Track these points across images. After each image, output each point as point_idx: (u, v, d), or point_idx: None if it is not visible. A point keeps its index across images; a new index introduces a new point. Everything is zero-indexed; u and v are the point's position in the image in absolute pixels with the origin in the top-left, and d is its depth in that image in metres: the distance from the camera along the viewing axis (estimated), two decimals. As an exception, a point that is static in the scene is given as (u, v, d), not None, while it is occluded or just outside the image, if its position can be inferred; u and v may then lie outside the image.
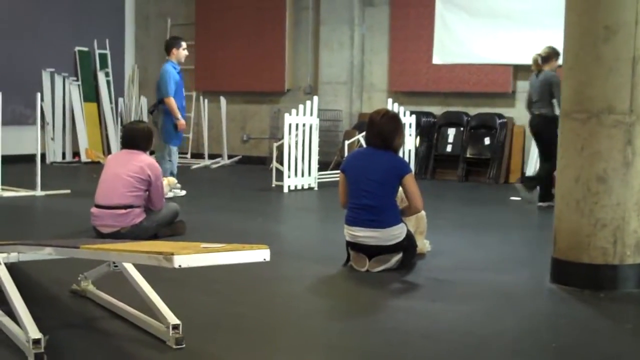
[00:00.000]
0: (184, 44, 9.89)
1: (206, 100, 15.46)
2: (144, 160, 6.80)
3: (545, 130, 9.40)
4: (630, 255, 5.09)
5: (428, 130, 13.71)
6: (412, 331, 4.19)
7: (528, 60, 12.87)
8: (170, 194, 6.95)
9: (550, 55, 9.34)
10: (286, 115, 11.09)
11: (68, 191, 9.93)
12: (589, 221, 5.08)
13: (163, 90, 9.68)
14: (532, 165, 12.62)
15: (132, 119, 15.03)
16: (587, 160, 5.08)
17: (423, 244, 6.25)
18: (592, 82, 5.06)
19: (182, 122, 9.74)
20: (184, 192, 7.82)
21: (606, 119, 5.02)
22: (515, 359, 3.75)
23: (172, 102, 9.59)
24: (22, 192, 9.69)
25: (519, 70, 13.20)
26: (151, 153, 7.52)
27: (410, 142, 12.68)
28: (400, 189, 5.74)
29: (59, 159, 14.77)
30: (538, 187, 9.80)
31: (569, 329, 4.40)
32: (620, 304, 4.86)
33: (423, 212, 6.14)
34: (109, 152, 14.58)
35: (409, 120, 12.70)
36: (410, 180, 5.68)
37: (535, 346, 4.01)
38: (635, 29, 4.99)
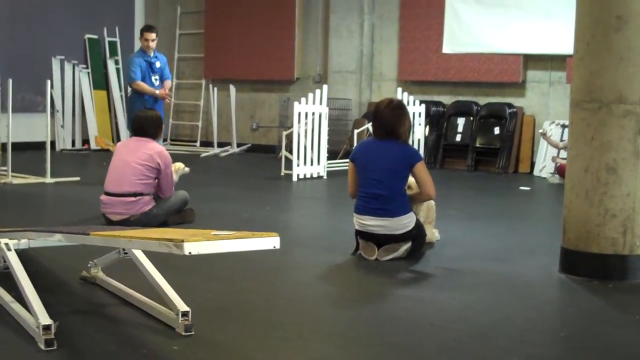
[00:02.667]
0: (146, 34, 9.89)
1: (215, 89, 15.46)
2: (154, 148, 6.81)
3: None
4: (639, 246, 5.08)
5: (437, 119, 13.69)
6: (421, 320, 4.20)
7: (538, 50, 12.88)
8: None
9: None
10: (295, 103, 11.08)
11: (78, 178, 9.96)
12: (598, 211, 5.07)
13: (128, 77, 10.14)
14: (542, 155, 12.58)
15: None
16: (597, 150, 5.07)
17: (432, 233, 6.25)
18: (603, 71, 5.04)
19: (157, 92, 9.81)
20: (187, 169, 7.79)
21: (617, 108, 5.01)
22: (523, 348, 3.75)
23: (139, 85, 9.77)
24: (32, 180, 9.73)
25: (528, 60, 13.15)
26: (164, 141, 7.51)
27: (419, 132, 12.68)
28: (411, 177, 5.74)
29: (69, 146, 14.81)
30: None
31: (577, 319, 4.40)
32: (629, 295, 4.86)
33: (432, 202, 6.14)
34: (119, 140, 14.60)
35: (418, 110, 12.70)
36: (421, 167, 5.69)
37: (543, 336, 4.01)
38: (644, 18, 4.97)
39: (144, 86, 9.73)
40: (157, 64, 9.99)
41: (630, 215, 5.05)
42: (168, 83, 10.15)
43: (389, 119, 5.73)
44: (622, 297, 4.80)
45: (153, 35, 9.93)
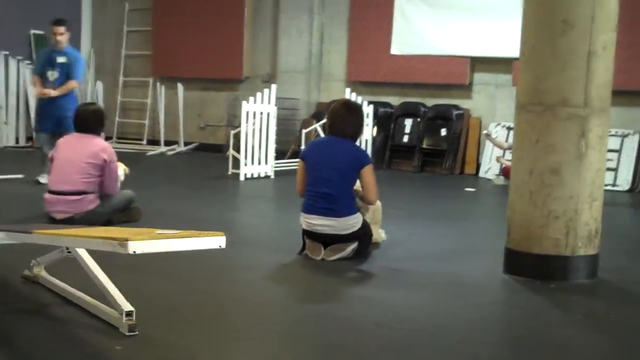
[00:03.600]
0: (53, 28, 9.58)
1: (163, 87, 15.34)
2: (99, 144, 6.73)
3: None
4: (581, 247, 5.17)
5: (385, 120, 13.75)
6: (367, 319, 4.21)
7: (485, 52, 13.01)
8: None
9: None
10: (244, 103, 11.05)
11: (21, 176, 9.80)
12: (541, 213, 5.15)
13: None
14: (487, 157, 12.72)
15: (88, 104, 14.84)
16: (541, 153, 5.14)
17: (378, 233, 6.28)
18: (548, 75, 5.11)
19: (40, 91, 9.53)
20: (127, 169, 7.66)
21: (561, 111, 5.08)
22: (467, 348, 3.78)
23: (33, 78, 9.75)
24: (-26, 177, 9.55)
25: (476, 62, 13.28)
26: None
27: (367, 132, 12.71)
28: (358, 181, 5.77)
29: (13, 143, 14.56)
30: None
31: (520, 318, 4.46)
32: (571, 295, 4.94)
33: (379, 203, 6.16)
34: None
35: (366, 111, 12.72)
36: (368, 171, 5.71)
37: (487, 335, 4.06)
38: (591, 23, 5.05)
39: (32, 80, 9.51)
40: (60, 60, 9.51)
41: (572, 217, 5.13)
42: (71, 84, 9.48)
43: (347, 118, 5.77)
44: (565, 297, 4.88)
45: (61, 29, 9.51)
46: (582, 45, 5.05)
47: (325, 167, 5.65)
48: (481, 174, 12.82)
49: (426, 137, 13.39)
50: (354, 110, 5.88)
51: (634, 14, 11.92)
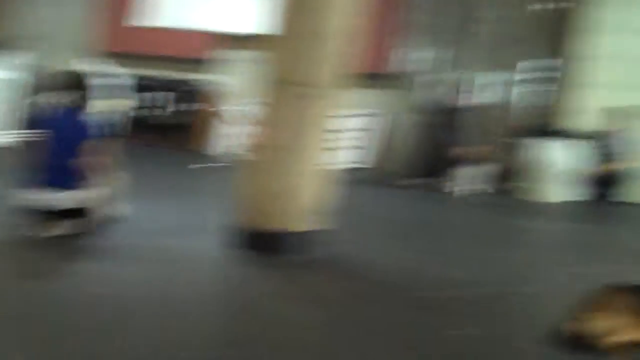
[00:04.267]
0: None
1: None
2: None
3: None
4: (304, 223, 5.40)
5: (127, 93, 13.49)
6: (92, 294, 4.18)
7: (229, 29, 13.08)
8: None
9: None
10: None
11: None
12: (268, 190, 5.31)
13: None
14: (220, 134, 12.84)
15: None
16: (271, 131, 5.29)
17: (109, 209, 6.17)
18: (291, 55, 5.26)
19: None
20: None
21: (296, 90, 5.24)
22: (192, 321, 3.86)
23: None
24: None
25: (218, 38, 13.33)
26: None
27: (103, 105, 12.40)
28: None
29: None
30: None
31: (243, 291, 4.60)
32: (293, 269, 5.15)
33: (126, 177, 6.05)
34: None
35: (103, 82, 12.41)
36: (97, 145, 5.60)
37: (210, 307, 4.17)
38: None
39: None
40: None
41: (298, 195, 5.34)
42: None
43: (71, 86, 5.62)
44: (286, 271, 5.09)
45: None
46: (326, 27, 5.23)
47: (51, 138, 5.48)
48: (214, 151, 12.92)
49: (161, 111, 13.32)
50: (76, 79, 5.73)
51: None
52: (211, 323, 3.94)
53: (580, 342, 3.76)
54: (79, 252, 5.24)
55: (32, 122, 5.74)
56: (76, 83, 5.70)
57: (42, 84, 12.92)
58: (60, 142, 5.48)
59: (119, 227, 5.97)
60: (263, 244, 5.37)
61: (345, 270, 5.35)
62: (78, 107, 5.65)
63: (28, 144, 5.62)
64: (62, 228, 5.49)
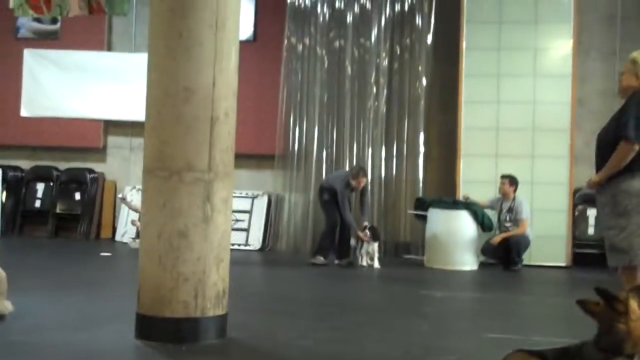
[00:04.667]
0: None
1: None
2: None
3: None
4: (210, 308, 5.29)
5: (15, 184, 13.19)
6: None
7: (118, 116, 13.02)
8: None
9: None
10: None
11: None
12: (171, 275, 5.20)
13: None
14: (123, 220, 12.66)
15: None
16: (169, 216, 5.21)
17: (4, 305, 5.93)
18: (173, 140, 5.23)
19: None
20: None
21: (186, 176, 5.21)
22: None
23: None
24: None
25: (109, 126, 13.25)
26: None
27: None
28: None
29: None
30: None
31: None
32: (201, 356, 5.02)
33: (2, 273, 5.84)
34: None
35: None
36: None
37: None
38: (212, 90, 5.26)
39: None
40: None
41: (201, 279, 5.24)
42: None
43: None
44: (195, 358, 4.95)
45: None
46: (205, 111, 5.24)
47: None
48: (118, 237, 12.74)
49: (60, 201, 13.07)
50: None
51: (261, 80, 12.67)
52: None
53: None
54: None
55: None
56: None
57: None
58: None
59: (16, 324, 5.73)
60: (169, 331, 5.22)
61: (252, 354, 5.24)
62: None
63: None
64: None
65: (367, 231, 10.72)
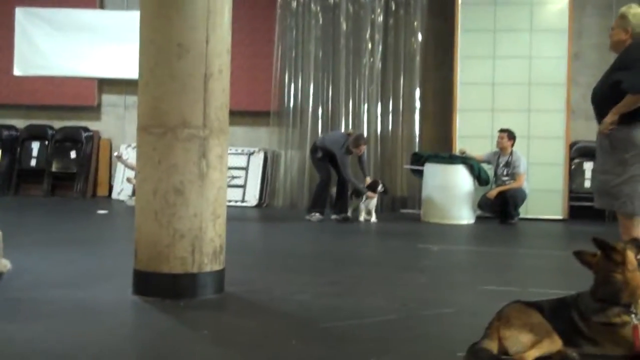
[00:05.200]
0: None
1: None
2: None
3: None
4: (207, 263, 5.31)
5: (10, 144, 13.16)
6: (-12, 356, 3.97)
7: (112, 74, 12.95)
8: None
9: None
10: None
11: None
12: (167, 232, 5.21)
13: None
14: (119, 178, 12.66)
15: None
16: (164, 173, 5.20)
17: (1, 263, 5.94)
18: (167, 97, 5.20)
19: None
20: None
21: (181, 133, 5.19)
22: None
23: None
24: None
25: (103, 84, 13.18)
26: None
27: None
28: None
29: None
30: None
31: (149, 339, 4.46)
32: (199, 311, 5.04)
33: (-1, 232, 5.84)
34: None
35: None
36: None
37: (116, 359, 4.01)
38: (206, 47, 5.22)
39: None
40: None
41: (198, 235, 5.26)
42: None
43: None
44: (192, 314, 4.97)
45: None
46: (199, 68, 5.21)
47: None
48: (114, 195, 12.75)
49: (55, 160, 13.04)
50: None
51: (257, 38, 12.59)
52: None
53: (495, 360, 3.77)
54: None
55: None
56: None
57: None
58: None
59: (13, 281, 5.75)
60: (167, 287, 5.25)
61: (249, 308, 5.26)
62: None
63: None
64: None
65: (382, 185, 10.84)
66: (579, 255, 4.05)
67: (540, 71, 11.83)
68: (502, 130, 11.24)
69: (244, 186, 12.69)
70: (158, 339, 4.42)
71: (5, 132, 13.11)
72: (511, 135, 11.20)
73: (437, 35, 12.63)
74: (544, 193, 11.62)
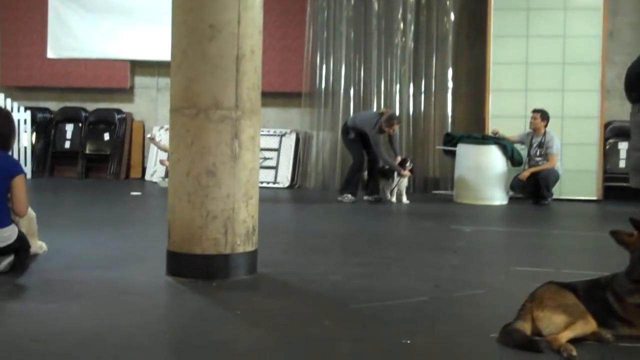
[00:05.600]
0: None
1: None
2: None
3: None
4: (240, 245, 5.33)
5: (45, 126, 13.29)
6: (23, 335, 4.01)
7: (145, 56, 13.00)
8: None
9: None
10: None
11: None
12: (200, 213, 5.24)
13: None
14: (152, 160, 12.74)
15: None
16: (197, 155, 5.22)
17: (37, 245, 6.02)
18: (199, 78, 5.21)
19: None
20: None
21: (213, 114, 5.20)
22: (129, 354, 3.74)
23: None
24: None
25: (136, 66, 13.24)
26: None
27: (25, 139, 12.19)
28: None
29: None
30: None
31: (182, 319, 4.50)
32: (232, 292, 5.08)
33: (33, 213, 5.90)
34: None
35: (23, 117, 12.22)
36: (19, 182, 5.43)
37: (149, 339, 4.04)
38: (238, 28, 5.22)
39: None
40: None
41: (230, 216, 5.28)
42: None
43: (3, 127, 5.47)
44: (225, 294, 5.00)
45: None
46: (231, 49, 5.21)
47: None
48: (147, 177, 12.82)
49: (89, 142, 13.15)
50: (6, 119, 5.58)
51: (288, 19, 12.57)
52: (152, 355, 3.81)
53: (529, 341, 3.75)
54: (8, 291, 5.05)
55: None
56: (10, 122, 5.56)
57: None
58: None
59: (49, 262, 5.82)
60: (200, 268, 5.28)
61: (282, 289, 5.28)
62: (2, 142, 5.49)
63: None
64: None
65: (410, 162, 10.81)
66: (615, 234, 4.01)
67: (575, 50, 11.70)
68: (535, 111, 11.13)
69: (275, 167, 12.71)
70: (191, 320, 4.46)
71: (40, 115, 13.22)
72: (544, 116, 11.09)
73: (470, 14, 12.52)
74: (578, 173, 11.51)
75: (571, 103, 11.64)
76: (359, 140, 10.65)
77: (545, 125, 11.12)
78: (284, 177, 12.69)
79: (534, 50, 11.77)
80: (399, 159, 10.95)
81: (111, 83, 13.24)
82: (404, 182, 10.79)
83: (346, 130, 10.80)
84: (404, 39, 12.60)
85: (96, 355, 3.73)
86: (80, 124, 13.27)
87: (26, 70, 13.39)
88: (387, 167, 10.75)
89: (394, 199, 10.76)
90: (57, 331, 4.10)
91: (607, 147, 11.90)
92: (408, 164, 10.76)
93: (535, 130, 11.16)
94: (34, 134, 12.98)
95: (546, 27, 11.78)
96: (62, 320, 4.35)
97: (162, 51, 12.19)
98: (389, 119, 10.64)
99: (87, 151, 13.08)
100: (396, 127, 10.82)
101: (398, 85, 12.63)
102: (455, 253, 6.77)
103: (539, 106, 11.23)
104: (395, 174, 10.74)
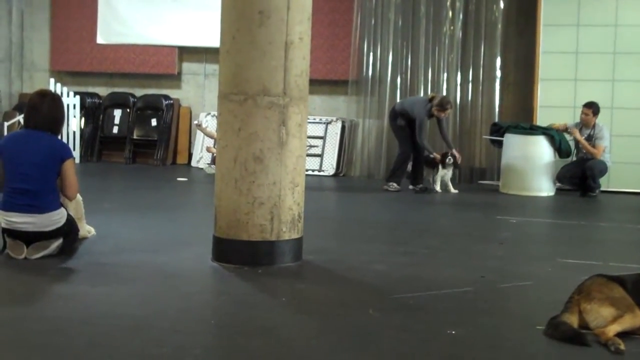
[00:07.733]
0: None
1: None
2: None
3: None
4: (286, 232, 5.35)
5: (93, 111, 13.44)
6: (71, 317, 4.08)
7: (193, 42, 13.07)
8: None
9: None
10: None
11: None
12: (247, 200, 5.26)
13: None
14: (199, 146, 12.82)
15: None
16: (244, 141, 5.24)
17: (85, 229, 6.10)
18: (248, 64, 5.23)
19: None
20: None
21: (262, 100, 5.22)
22: (174, 338, 3.77)
23: None
24: None
25: (184, 52, 13.31)
26: None
27: (74, 124, 12.35)
28: None
29: None
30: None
31: (228, 305, 4.53)
32: (277, 278, 5.09)
33: (79, 197, 5.95)
34: None
35: (73, 101, 12.37)
36: (69, 165, 5.49)
37: (195, 324, 4.07)
38: (287, 14, 5.22)
39: None
40: None
41: (276, 203, 5.29)
42: None
43: (53, 111, 5.50)
44: (270, 281, 5.02)
45: None
46: (279, 35, 5.21)
47: (22, 161, 5.37)
48: (193, 163, 12.91)
49: (136, 127, 13.27)
50: (50, 101, 5.58)
51: (336, 6, 12.54)
52: (198, 339, 3.84)
53: (576, 334, 3.72)
54: (58, 274, 5.13)
55: (3, 145, 5.59)
56: (46, 103, 5.56)
57: (18, 106, 12.83)
58: (32, 164, 5.36)
59: (97, 246, 5.89)
60: (246, 254, 5.31)
61: (327, 277, 5.29)
62: (52, 126, 5.53)
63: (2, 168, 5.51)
64: (41, 250, 5.38)
65: (450, 157, 10.60)
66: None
67: (626, 39, 11.49)
68: (586, 106, 10.91)
69: (321, 155, 12.71)
70: (236, 306, 4.48)
71: (89, 100, 13.37)
72: (596, 111, 10.89)
73: (520, 2, 12.37)
74: (628, 165, 11.33)
75: (621, 94, 11.45)
76: (407, 128, 10.54)
77: (596, 118, 10.95)
78: (329, 165, 12.68)
79: (585, 40, 11.59)
80: (454, 152, 10.71)
81: (159, 69, 13.34)
82: (448, 173, 10.69)
83: (394, 115, 10.69)
84: (452, 27, 12.50)
85: (143, 338, 3.78)
86: (128, 110, 13.39)
87: (76, 55, 13.55)
88: (431, 155, 10.64)
89: (438, 189, 10.68)
90: (105, 314, 4.16)
91: (658, 138, 11.69)
92: (448, 159, 10.60)
93: (584, 123, 11.00)
94: (83, 118, 13.13)
95: (597, 15, 11.59)
96: (110, 303, 4.40)
97: (209, 37, 12.28)
98: (442, 102, 10.46)
99: (135, 136, 13.21)
100: (449, 112, 10.68)
101: (445, 74, 12.53)
102: (501, 244, 6.72)
103: (588, 97, 11.05)
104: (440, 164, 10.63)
